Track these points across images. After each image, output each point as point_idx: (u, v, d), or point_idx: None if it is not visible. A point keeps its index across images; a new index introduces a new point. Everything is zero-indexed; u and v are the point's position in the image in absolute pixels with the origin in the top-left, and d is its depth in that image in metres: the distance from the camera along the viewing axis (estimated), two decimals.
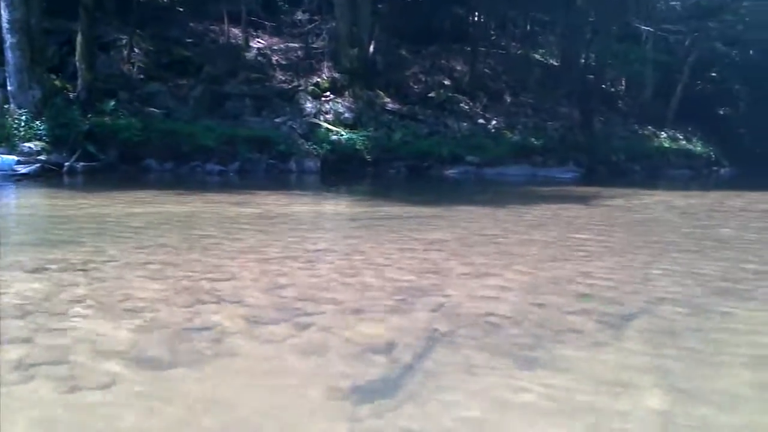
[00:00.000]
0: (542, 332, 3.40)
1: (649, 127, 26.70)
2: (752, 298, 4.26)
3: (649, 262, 5.40)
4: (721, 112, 31.82)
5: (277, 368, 2.85)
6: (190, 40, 19.48)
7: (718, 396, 2.65)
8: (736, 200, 12.84)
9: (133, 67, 17.48)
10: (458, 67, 24.65)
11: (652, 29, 26.03)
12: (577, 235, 7.10)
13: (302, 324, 3.41)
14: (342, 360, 2.93)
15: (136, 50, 17.86)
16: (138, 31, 18.06)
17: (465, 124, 21.48)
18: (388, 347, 3.11)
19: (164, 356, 2.91)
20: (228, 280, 4.29)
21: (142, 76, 17.33)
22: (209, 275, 4.39)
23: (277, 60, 20.30)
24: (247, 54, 19.88)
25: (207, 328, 3.29)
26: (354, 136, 17.98)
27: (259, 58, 20.02)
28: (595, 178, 19.72)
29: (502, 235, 6.98)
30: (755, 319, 3.76)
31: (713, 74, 30.67)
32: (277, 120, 17.77)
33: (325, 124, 18.13)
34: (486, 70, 25.24)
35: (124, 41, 17.73)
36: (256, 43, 20.78)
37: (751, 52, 29.28)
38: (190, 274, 4.42)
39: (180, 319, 3.42)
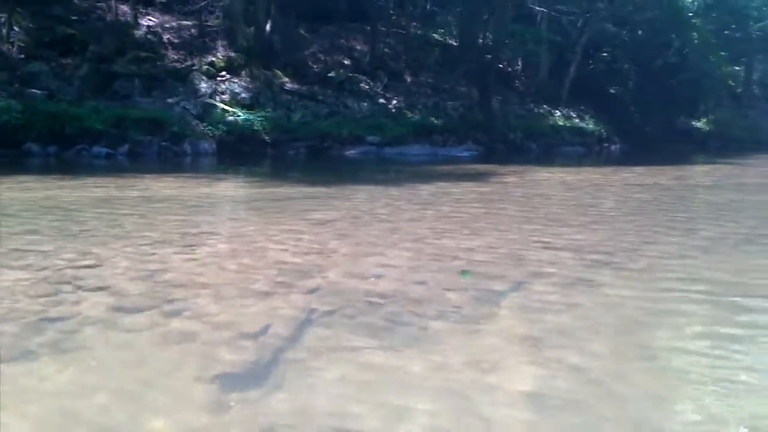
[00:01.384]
0: (420, 310, 3.40)
1: (545, 106, 27.46)
2: (624, 268, 4.40)
3: (531, 237, 5.50)
4: (612, 91, 33.03)
5: (138, 358, 2.72)
6: (74, 18, 18.45)
7: (584, 367, 2.69)
8: (623, 175, 13.38)
9: (13, 46, 16.42)
10: (358, 47, 24.52)
11: (545, 10, 26.66)
12: (467, 212, 7.18)
13: (171, 311, 3.27)
14: (210, 347, 2.83)
15: (15, 28, 16.77)
16: (18, 8, 16.96)
17: (365, 104, 21.40)
18: (261, 331, 3.02)
19: (15, 350, 2.73)
20: (96, 267, 4.06)
21: (22, 56, 16.29)
22: (77, 263, 4.14)
23: (168, 38, 19.53)
24: (136, 32, 19.02)
25: (65, 318, 3.11)
26: (252, 116, 17.56)
27: (149, 36, 19.20)
28: (494, 156, 20.12)
29: (394, 213, 6.97)
30: (625, 289, 3.87)
31: (604, 54, 31.79)
32: (169, 101, 17.11)
33: (221, 105, 17.62)
34: (386, 50, 25.21)
35: (2, 19, 16.62)
36: (146, 21, 19.92)
37: (639, 32, 30.54)
38: (56, 262, 4.16)
39: (37, 310, 3.21)
